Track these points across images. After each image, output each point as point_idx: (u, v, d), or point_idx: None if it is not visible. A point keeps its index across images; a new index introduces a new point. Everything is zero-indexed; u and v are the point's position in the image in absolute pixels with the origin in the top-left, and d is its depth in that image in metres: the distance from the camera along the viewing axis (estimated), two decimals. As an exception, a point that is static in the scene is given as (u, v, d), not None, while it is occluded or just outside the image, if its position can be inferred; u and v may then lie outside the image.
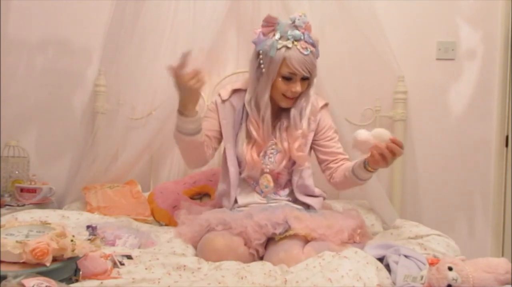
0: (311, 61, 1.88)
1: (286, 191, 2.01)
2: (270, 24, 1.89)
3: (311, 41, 1.89)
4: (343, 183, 1.96)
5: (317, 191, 2.04)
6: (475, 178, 2.62)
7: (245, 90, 2.00)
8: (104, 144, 2.43)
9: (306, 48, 1.86)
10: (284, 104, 1.95)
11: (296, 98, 1.95)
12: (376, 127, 2.50)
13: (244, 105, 1.99)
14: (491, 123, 2.60)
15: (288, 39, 1.86)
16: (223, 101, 2.01)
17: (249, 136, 1.97)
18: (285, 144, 1.95)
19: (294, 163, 1.99)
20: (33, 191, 2.37)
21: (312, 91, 1.97)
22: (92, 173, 2.40)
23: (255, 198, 1.98)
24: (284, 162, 1.96)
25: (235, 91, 2.02)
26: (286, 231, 1.75)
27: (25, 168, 2.50)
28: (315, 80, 1.96)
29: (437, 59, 2.60)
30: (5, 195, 2.40)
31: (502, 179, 2.56)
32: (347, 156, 2.02)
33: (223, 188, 2.02)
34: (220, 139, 2.04)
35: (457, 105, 2.61)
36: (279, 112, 2.00)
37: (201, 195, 2.41)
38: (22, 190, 2.38)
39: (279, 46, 1.86)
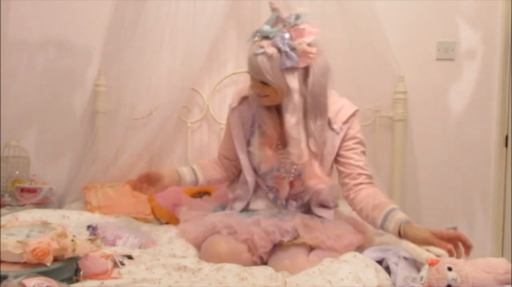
0: (258, 63, 1.63)
1: (299, 202, 1.87)
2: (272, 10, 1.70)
3: (278, 44, 1.62)
4: (361, 215, 1.76)
5: (331, 201, 1.89)
6: (475, 178, 2.62)
7: None
8: (104, 144, 2.44)
9: (262, 47, 1.63)
10: (258, 102, 1.77)
11: (269, 98, 1.73)
12: (376, 127, 2.53)
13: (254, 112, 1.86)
14: (491, 123, 2.61)
15: (258, 33, 1.67)
16: (233, 109, 1.89)
17: (262, 134, 1.82)
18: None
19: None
20: (33, 191, 2.37)
21: (290, 106, 1.67)
22: (92, 173, 2.40)
23: (267, 204, 1.88)
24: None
25: (244, 98, 1.86)
26: (295, 238, 1.68)
27: (25, 168, 2.50)
28: (289, 96, 1.66)
29: (437, 59, 2.60)
30: (5, 195, 2.40)
31: (502, 179, 2.57)
32: (366, 171, 1.77)
33: (239, 193, 1.90)
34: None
35: (457, 105, 2.61)
36: None
37: (201, 194, 2.41)
38: (22, 190, 2.37)
39: (255, 39, 1.69)
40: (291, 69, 1.64)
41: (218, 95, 2.57)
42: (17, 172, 2.47)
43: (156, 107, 2.43)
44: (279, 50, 1.62)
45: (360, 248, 1.76)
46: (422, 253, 1.60)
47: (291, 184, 1.85)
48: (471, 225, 2.63)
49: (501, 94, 2.58)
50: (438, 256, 1.59)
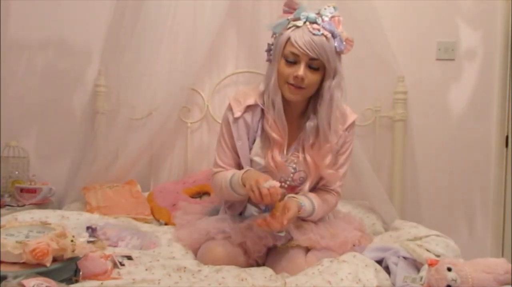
0: (321, 43, 1.65)
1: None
2: (291, 8, 1.73)
3: (330, 28, 1.68)
4: None
5: None
6: (475, 178, 2.62)
7: (258, 105, 1.80)
8: (104, 144, 2.43)
9: (319, 30, 1.66)
10: (288, 94, 1.72)
11: (304, 91, 1.72)
12: (376, 127, 2.53)
13: (259, 120, 1.80)
14: (491, 123, 2.61)
15: (300, 19, 1.68)
16: (236, 119, 1.79)
17: (267, 141, 1.78)
18: (309, 159, 1.75)
19: (317, 183, 1.83)
20: (33, 191, 2.37)
21: (338, 92, 1.75)
22: (92, 173, 2.40)
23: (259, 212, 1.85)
24: (307, 184, 1.76)
25: (248, 107, 1.80)
26: (289, 241, 1.70)
27: (25, 168, 2.50)
28: (337, 79, 1.74)
29: (437, 59, 2.60)
30: (5, 196, 2.40)
31: (502, 179, 2.56)
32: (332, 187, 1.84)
33: (233, 203, 1.87)
34: None
35: (457, 105, 2.61)
36: (301, 122, 1.81)
37: (200, 194, 2.41)
38: (22, 190, 2.37)
39: (289, 25, 1.70)
40: (339, 55, 1.74)
41: (218, 95, 2.56)
42: (16, 172, 2.47)
43: (156, 107, 2.43)
44: (332, 34, 1.69)
45: (357, 246, 1.77)
46: (422, 253, 1.60)
47: (292, 190, 1.81)
48: (471, 225, 2.62)
49: (501, 94, 2.58)
50: (438, 256, 1.59)
